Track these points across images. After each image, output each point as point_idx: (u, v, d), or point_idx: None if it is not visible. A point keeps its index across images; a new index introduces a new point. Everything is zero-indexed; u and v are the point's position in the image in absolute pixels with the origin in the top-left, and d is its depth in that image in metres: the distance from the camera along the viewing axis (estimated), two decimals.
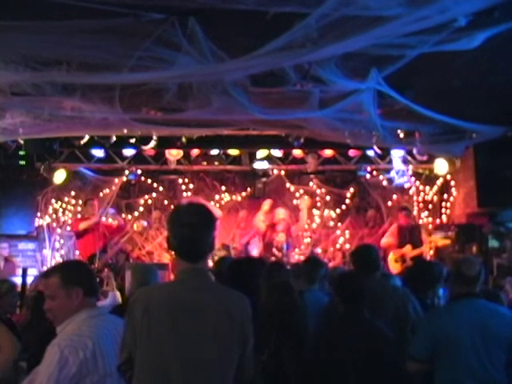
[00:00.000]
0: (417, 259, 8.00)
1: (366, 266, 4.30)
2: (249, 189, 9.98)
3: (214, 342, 2.28)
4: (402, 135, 7.75)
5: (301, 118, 6.56)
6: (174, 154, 9.34)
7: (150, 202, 9.90)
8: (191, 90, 5.27)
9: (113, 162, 9.51)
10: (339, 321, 3.69)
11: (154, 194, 9.90)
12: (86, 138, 8.33)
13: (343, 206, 10.02)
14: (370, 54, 4.38)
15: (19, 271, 8.40)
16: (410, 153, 9.26)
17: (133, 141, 8.46)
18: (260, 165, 9.54)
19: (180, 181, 9.93)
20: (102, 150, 9.11)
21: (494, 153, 7.82)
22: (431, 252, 9.24)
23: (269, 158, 9.56)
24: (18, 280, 6.76)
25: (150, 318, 2.25)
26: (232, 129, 7.92)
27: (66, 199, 9.65)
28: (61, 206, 9.57)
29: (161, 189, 9.94)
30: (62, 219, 9.58)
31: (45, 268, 8.68)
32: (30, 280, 6.92)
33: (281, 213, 9.44)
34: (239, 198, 10.02)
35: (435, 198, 9.72)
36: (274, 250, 8.90)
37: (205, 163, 9.70)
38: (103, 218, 9.23)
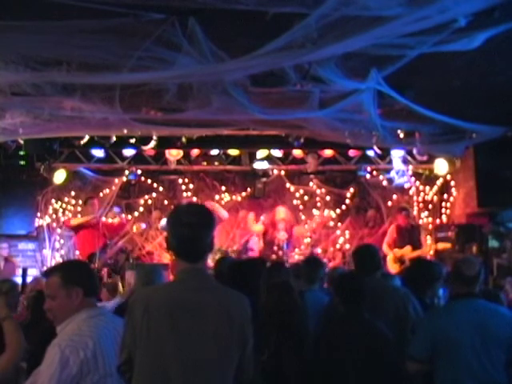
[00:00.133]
0: (415, 259, 8.00)
1: (367, 266, 4.29)
2: (249, 189, 9.98)
3: (213, 342, 2.27)
4: (402, 135, 7.75)
5: (301, 118, 6.57)
6: (173, 154, 9.35)
7: (149, 202, 9.90)
8: (191, 90, 5.27)
9: (113, 162, 9.52)
10: (339, 321, 3.69)
11: (154, 194, 9.91)
12: (86, 138, 8.33)
13: (343, 206, 10.02)
14: (369, 54, 4.38)
15: (19, 271, 8.42)
16: (410, 153, 9.27)
17: (133, 141, 8.47)
18: (260, 165, 9.54)
19: (180, 181, 9.93)
20: (102, 150, 9.11)
21: (494, 153, 7.82)
22: (431, 252, 9.24)
23: (269, 158, 9.56)
24: (18, 280, 6.77)
25: (150, 318, 2.25)
26: (232, 129, 7.92)
27: (66, 199, 9.65)
28: (61, 206, 9.57)
29: (161, 189, 9.94)
30: (62, 219, 9.58)
31: (45, 268, 8.68)
32: (30, 280, 6.93)
33: (281, 211, 9.45)
34: (239, 198, 10.02)
35: (435, 198, 9.73)
36: (275, 247, 8.90)
37: (205, 163, 9.70)
38: (103, 218, 9.25)
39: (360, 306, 3.60)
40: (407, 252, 8.54)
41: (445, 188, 9.58)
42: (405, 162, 9.47)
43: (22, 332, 2.99)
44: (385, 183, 9.83)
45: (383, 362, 3.40)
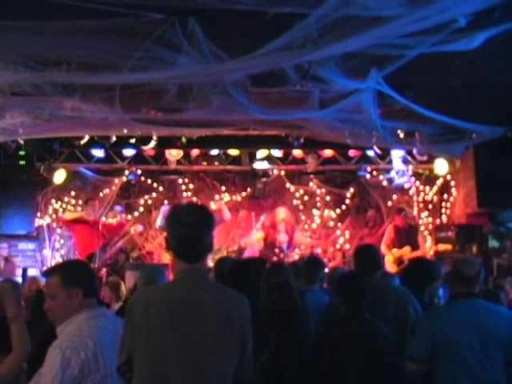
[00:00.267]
0: (414, 258, 8.00)
1: (367, 266, 4.30)
2: (249, 189, 9.97)
3: (213, 342, 2.27)
4: (402, 135, 7.75)
5: (301, 118, 6.57)
6: (173, 154, 9.34)
7: (149, 202, 9.90)
8: (191, 90, 5.27)
9: (113, 162, 9.51)
10: (339, 321, 3.70)
11: (154, 194, 9.90)
12: (86, 138, 8.33)
13: (343, 206, 10.01)
14: (369, 54, 4.38)
15: (19, 271, 8.42)
16: (410, 153, 9.27)
17: (133, 141, 8.47)
18: (260, 165, 9.54)
19: (180, 181, 9.92)
20: (102, 150, 9.11)
21: (494, 153, 7.82)
22: (431, 252, 9.24)
23: (269, 158, 9.56)
24: (17, 280, 6.77)
25: (150, 318, 2.25)
26: (232, 129, 7.92)
27: (66, 199, 9.64)
28: (61, 206, 9.56)
29: (161, 189, 9.94)
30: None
31: (45, 268, 8.68)
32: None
33: (281, 212, 9.44)
34: (239, 198, 10.01)
35: (435, 198, 9.73)
36: (276, 249, 8.90)
37: (205, 163, 9.70)
38: (103, 218, 9.26)
39: (360, 306, 3.60)
40: (406, 252, 8.53)
41: (445, 188, 9.58)
42: (405, 161, 9.47)
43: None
44: (385, 183, 9.82)
45: (383, 362, 3.40)
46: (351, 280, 3.79)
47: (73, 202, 9.66)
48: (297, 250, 9.56)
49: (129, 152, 9.33)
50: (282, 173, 9.92)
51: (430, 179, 9.70)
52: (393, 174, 9.63)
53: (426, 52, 4.32)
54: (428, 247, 9.13)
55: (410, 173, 9.67)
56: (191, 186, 9.98)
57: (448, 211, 9.51)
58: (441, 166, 9.14)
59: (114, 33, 3.93)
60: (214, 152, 9.40)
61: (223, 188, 9.97)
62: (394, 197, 9.82)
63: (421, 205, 9.77)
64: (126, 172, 9.57)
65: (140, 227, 9.45)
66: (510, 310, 3.84)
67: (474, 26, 3.99)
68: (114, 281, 6.12)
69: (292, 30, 3.79)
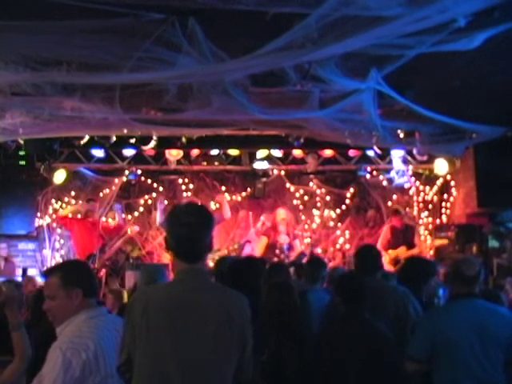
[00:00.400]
0: (409, 257, 8.00)
1: (367, 266, 4.30)
2: (249, 189, 9.97)
3: (213, 343, 2.27)
4: (402, 135, 7.75)
5: (301, 118, 6.57)
6: (173, 154, 9.34)
7: (149, 202, 9.90)
8: (191, 90, 5.27)
9: (113, 162, 9.51)
10: (340, 321, 3.70)
11: (154, 194, 9.90)
12: (86, 138, 8.33)
13: (343, 206, 10.01)
14: (369, 54, 4.38)
15: (19, 271, 8.42)
16: (410, 153, 9.27)
17: (133, 141, 8.47)
18: (260, 165, 9.54)
19: (180, 181, 9.92)
20: (102, 150, 9.11)
21: (494, 153, 7.83)
22: (431, 252, 9.25)
23: (269, 158, 9.56)
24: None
25: (149, 318, 2.25)
26: (232, 129, 7.92)
27: (66, 199, 9.64)
28: (61, 206, 9.56)
29: (161, 189, 9.93)
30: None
31: (45, 268, 8.68)
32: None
33: (281, 213, 9.44)
34: (239, 198, 10.01)
35: (435, 198, 9.72)
36: (277, 251, 8.90)
37: (205, 163, 9.70)
38: (103, 218, 9.27)
39: (360, 306, 3.60)
40: (402, 252, 8.51)
41: (445, 188, 9.58)
42: (405, 161, 9.47)
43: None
44: (385, 183, 9.82)
45: (383, 362, 3.40)
46: (351, 280, 3.79)
47: (73, 201, 9.66)
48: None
49: (129, 152, 9.33)
50: (282, 173, 9.92)
51: (429, 179, 9.70)
52: (393, 173, 9.63)
53: (426, 52, 4.32)
54: (428, 247, 9.13)
55: (410, 173, 9.67)
56: (191, 185, 9.98)
57: (448, 211, 9.51)
58: (441, 166, 9.14)
59: (113, 33, 3.93)
60: (214, 152, 9.40)
61: (223, 188, 9.96)
62: (394, 197, 9.82)
63: (421, 205, 9.77)
64: (126, 172, 9.57)
65: (136, 227, 9.46)
66: (510, 311, 3.84)
67: (474, 26, 3.99)
68: (118, 290, 6.14)
69: (292, 30, 3.79)
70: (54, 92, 5.25)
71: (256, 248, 9.07)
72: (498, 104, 6.51)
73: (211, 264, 5.76)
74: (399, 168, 9.51)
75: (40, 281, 7.23)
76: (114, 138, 8.27)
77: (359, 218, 9.99)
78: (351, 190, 9.98)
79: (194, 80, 5.06)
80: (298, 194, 10.03)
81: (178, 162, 9.54)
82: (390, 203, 9.77)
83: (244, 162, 9.70)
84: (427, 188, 9.77)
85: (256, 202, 9.94)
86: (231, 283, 3.35)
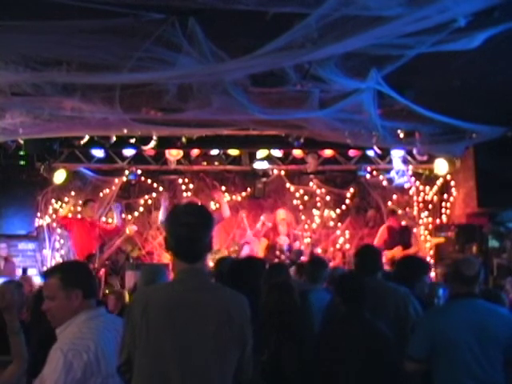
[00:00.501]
0: (401, 256, 8.00)
1: (368, 267, 4.30)
2: (249, 189, 9.97)
3: (213, 343, 2.27)
4: (402, 135, 7.75)
5: (301, 118, 6.57)
6: (173, 154, 9.34)
7: (149, 202, 9.90)
8: (191, 90, 5.27)
9: (113, 162, 9.51)
10: (340, 321, 3.70)
11: (154, 194, 9.90)
12: (86, 138, 8.33)
13: (343, 206, 10.02)
14: (369, 54, 4.38)
15: (19, 271, 8.42)
16: (410, 153, 9.27)
17: (133, 141, 8.47)
18: (260, 165, 9.54)
19: (180, 181, 9.92)
20: (102, 150, 9.11)
21: (494, 153, 7.83)
22: (431, 252, 9.25)
23: (269, 158, 9.56)
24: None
25: (149, 318, 2.25)
26: (232, 129, 7.92)
27: (66, 199, 9.64)
28: (61, 206, 9.56)
29: (161, 189, 9.93)
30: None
31: (45, 268, 8.69)
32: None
33: (281, 213, 9.44)
34: (239, 198, 10.01)
35: (435, 198, 9.72)
36: (278, 252, 8.91)
37: (205, 163, 9.70)
38: (103, 218, 9.27)
39: (361, 306, 3.60)
40: (398, 252, 8.50)
41: (445, 188, 9.58)
42: (405, 162, 9.46)
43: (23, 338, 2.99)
44: (385, 183, 9.82)
45: (383, 362, 3.41)
46: (351, 280, 3.79)
47: (73, 202, 9.66)
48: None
49: (129, 152, 9.32)
50: (282, 173, 9.92)
51: (430, 179, 9.70)
52: (393, 174, 9.63)
53: (426, 52, 4.32)
54: (428, 247, 9.13)
55: (410, 173, 9.66)
56: (191, 186, 9.98)
57: (448, 211, 9.51)
58: (441, 166, 9.14)
59: (113, 33, 3.93)
60: (214, 152, 9.40)
61: (223, 188, 9.96)
62: (394, 197, 9.82)
63: (421, 205, 9.77)
64: (126, 172, 9.57)
65: (134, 227, 9.45)
66: (509, 311, 3.84)
67: (474, 26, 3.99)
68: (119, 290, 6.14)
69: (292, 29, 3.79)
70: (54, 92, 5.25)
71: (256, 250, 9.07)
72: (498, 104, 6.51)
73: (211, 264, 5.76)
74: (399, 168, 9.50)
75: (37, 280, 7.24)
76: (114, 138, 8.27)
77: (359, 218, 10.00)
78: (351, 190, 9.98)
79: (194, 80, 5.06)
80: (297, 194, 10.03)
81: (178, 161, 9.54)
82: (390, 203, 9.77)
83: (244, 161, 9.70)
84: (427, 188, 9.77)
85: (256, 202, 9.94)
86: (231, 283, 3.35)
